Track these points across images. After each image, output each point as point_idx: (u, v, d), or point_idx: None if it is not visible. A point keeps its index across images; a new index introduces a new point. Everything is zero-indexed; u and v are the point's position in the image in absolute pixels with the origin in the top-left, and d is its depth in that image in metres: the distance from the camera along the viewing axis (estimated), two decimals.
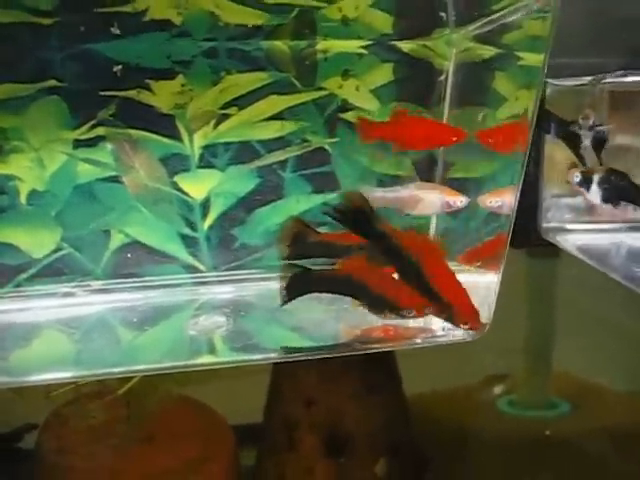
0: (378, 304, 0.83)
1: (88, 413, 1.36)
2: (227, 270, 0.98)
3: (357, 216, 0.81)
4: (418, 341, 0.87)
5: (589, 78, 1.13)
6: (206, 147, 0.93)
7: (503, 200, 0.86)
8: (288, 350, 0.89)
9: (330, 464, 1.41)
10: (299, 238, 0.87)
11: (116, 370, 0.88)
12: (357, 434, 1.41)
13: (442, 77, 0.94)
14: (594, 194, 1.08)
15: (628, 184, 1.08)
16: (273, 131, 0.93)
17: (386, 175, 0.99)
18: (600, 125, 1.12)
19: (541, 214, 1.16)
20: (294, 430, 1.43)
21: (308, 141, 0.94)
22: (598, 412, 1.62)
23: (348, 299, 0.87)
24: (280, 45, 0.90)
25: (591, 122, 1.12)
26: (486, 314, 0.86)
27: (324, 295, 0.92)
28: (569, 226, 1.15)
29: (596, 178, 1.08)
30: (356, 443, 1.41)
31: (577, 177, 1.09)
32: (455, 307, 0.81)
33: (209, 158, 0.93)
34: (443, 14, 0.91)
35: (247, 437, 1.49)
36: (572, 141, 1.13)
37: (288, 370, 1.46)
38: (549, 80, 1.10)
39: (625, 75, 1.12)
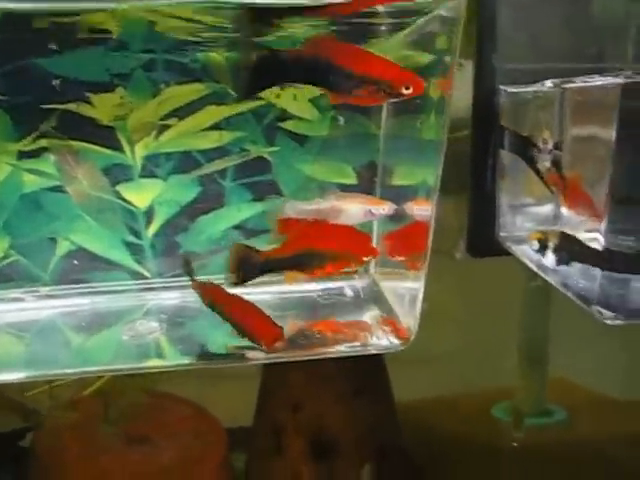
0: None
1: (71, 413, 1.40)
2: (172, 277, 1.01)
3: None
4: (343, 349, 0.88)
5: (548, 83, 1.13)
6: (148, 157, 0.96)
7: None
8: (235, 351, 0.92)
9: (317, 468, 1.42)
10: (244, 262, 0.90)
11: (68, 371, 0.93)
12: (343, 438, 1.42)
13: None
14: (550, 259, 1.10)
15: (579, 247, 1.07)
16: (212, 141, 0.95)
17: (328, 182, 1.01)
18: (559, 146, 1.11)
19: (498, 223, 1.16)
20: (281, 434, 1.45)
21: (247, 150, 0.97)
22: (596, 419, 1.60)
23: None
24: (216, 56, 0.93)
25: (550, 146, 1.11)
26: (412, 324, 0.87)
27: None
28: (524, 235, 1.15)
29: (551, 245, 1.10)
30: (342, 447, 1.42)
31: (535, 245, 1.11)
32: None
33: (151, 168, 0.96)
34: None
35: (239, 440, 1.52)
36: (530, 159, 1.12)
37: (275, 374, 1.47)
38: (503, 87, 1.09)
39: (587, 81, 1.11)
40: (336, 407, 1.43)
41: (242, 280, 0.89)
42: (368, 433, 1.44)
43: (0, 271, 0.96)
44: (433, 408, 1.67)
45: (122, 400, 1.36)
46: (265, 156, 0.97)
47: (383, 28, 0.90)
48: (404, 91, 0.81)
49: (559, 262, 1.07)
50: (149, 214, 0.98)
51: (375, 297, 1.00)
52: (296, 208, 0.90)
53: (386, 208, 0.90)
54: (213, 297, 0.90)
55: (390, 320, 0.92)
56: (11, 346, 0.98)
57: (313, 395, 1.44)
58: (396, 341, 0.87)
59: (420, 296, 0.88)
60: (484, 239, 1.16)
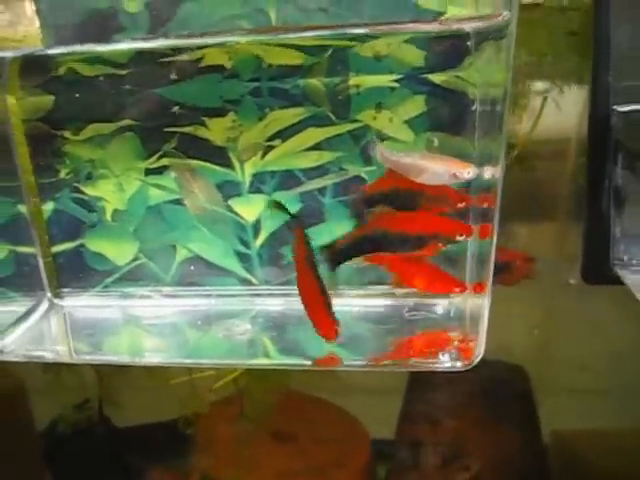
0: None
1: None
2: (277, 285, 1.09)
3: None
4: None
5: None
6: (255, 175, 1.05)
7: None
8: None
9: None
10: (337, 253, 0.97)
11: (187, 361, 1.06)
12: (480, 461, 1.41)
13: (474, 106, 0.96)
14: None
15: None
16: (312, 160, 1.02)
17: None
18: None
19: (613, 250, 1.09)
20: (419, 448, 1.47)
21: (345, 169, 1.02)
22: None
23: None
24: (315, 82, 0.99)
25: None
26: (478, 347, 0.87)
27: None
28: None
29: None
30: (477, 470, 1.41)
31: None
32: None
33: (258, 184, 1.05)
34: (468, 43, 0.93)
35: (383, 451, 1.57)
36: None
37: (417, 388, 1.51)
38: (617, 107, 1.04)
39: None
40: (475, 429, 1.43)
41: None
42: (506, 460, 1.43)
43: (131, 271, 1.11)
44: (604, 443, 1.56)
45: (258, 398, 1.48)
46: (362, 175, 1.03)
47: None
48: (458, 238, 0.93)
49: None
50: (257, 227, 1.07)
51: (462, 317, 1.01)
52: (383, 154, 0.95)
53: (470, 171, 0.89)
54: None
55: (465, 340, 0.93)
56: (139, 336, 1.13)
57: (452, 413, 1.45)
58: (459, 363, 0.88)
59: (485, 318, 0.89)
60: (599, 266, 1.11)
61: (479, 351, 0.88)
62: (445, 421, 1.45)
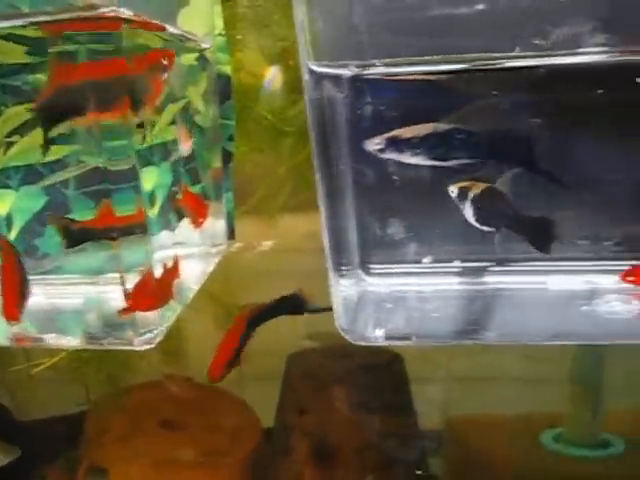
0: None
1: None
2: (34, 275, 1.12)
3: None
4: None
5: None
6: (1, 171, 1.07)
7: None
8: None
9: (319, 473, 1.49)
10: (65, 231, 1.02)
11: None
12: (346, 447, 1.47)
13: None
14: (468, 212, 1.05)
15: (505, 207, 1.03)
16: (51, 154, 1.05)
17: None
18: None
19: None
20: (289, 436, 1.53)
21: (83, 162, 1.05)
22: None
23: None
24: (43, 78, 1.02)
25: None
26: None
27: None
28: None
29: (471, 195, 1.04)
30: (344, 455, 1.47)
31: (453, 192, 1.05)
32: None
33: (4, 180, 1.08)
34: None
35: None
36: None
37: (287, 377, 1.57)
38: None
39: None
40: (340, 416, 1.48)
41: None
42: (372, 446, 1.48)
43: None
44: (474, 428, 1.62)
45: None
46: (100, 166, 1.06)
47: None
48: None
49: (480, 221, 1.02)
50: (9, 221, 1.10)
51: None
52: None
53: None
54: None
55: None
56: None
57: (318, 401, 1.51)
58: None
59: None
60: None
61: None
62: (313, 408, 1.51)
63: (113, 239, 1.00)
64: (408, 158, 1.00)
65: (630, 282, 1.03)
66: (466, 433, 1.58)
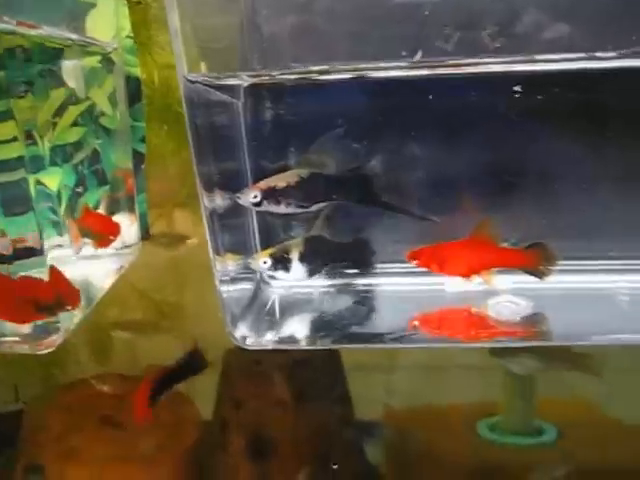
0: None
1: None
2: None
3: None
4: None
5: None
6: (51, 149, 1.16)
7: None
8: None
9: (254, 466, 1.46)
10: None
11: None
12: (281, 440, 1.47)
13: None
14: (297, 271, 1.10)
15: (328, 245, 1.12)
16: (75, 135, 1.12)
17: None
18: None
19: None
20: (225, 430, 1.51)
21: (90, 144, 1.09)
22: (591, 441, 1.43)
23: None
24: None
25: None
26: None
27: None
28: None
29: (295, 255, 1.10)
30: (280, 449, 1.46)
31: (266, 262, 1.08)
32: None
33: (54, 157, 1.13)
34: None
35: None
36: None
37: (224, 371, 1.55)
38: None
39: None
40: (275, 409, 1.48)
41: None
42: (309, 438, 1.48)
43: None
44: (413, 419, 1.59)
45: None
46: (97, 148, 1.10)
47: None
48: None
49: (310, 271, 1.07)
50: (59, 197, 1.15)
51: None
52: None
53: None
54: None
55: None
56: None
57: (254, 395, 1.50)
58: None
59: None
60: None
61: None
62: (249, 402, 1.49)
63: None
64: (284, 209, 1.04)
65: (416, 264, 1.10)
66: (405, 423, 1.58)
